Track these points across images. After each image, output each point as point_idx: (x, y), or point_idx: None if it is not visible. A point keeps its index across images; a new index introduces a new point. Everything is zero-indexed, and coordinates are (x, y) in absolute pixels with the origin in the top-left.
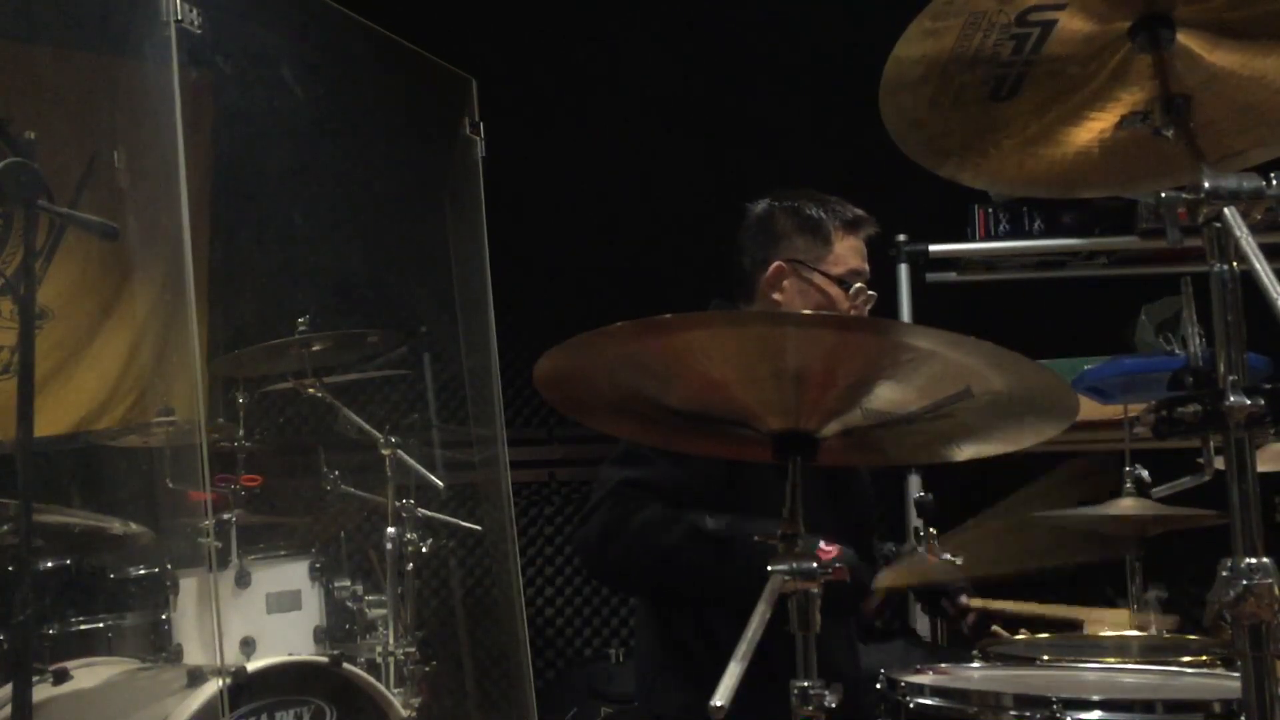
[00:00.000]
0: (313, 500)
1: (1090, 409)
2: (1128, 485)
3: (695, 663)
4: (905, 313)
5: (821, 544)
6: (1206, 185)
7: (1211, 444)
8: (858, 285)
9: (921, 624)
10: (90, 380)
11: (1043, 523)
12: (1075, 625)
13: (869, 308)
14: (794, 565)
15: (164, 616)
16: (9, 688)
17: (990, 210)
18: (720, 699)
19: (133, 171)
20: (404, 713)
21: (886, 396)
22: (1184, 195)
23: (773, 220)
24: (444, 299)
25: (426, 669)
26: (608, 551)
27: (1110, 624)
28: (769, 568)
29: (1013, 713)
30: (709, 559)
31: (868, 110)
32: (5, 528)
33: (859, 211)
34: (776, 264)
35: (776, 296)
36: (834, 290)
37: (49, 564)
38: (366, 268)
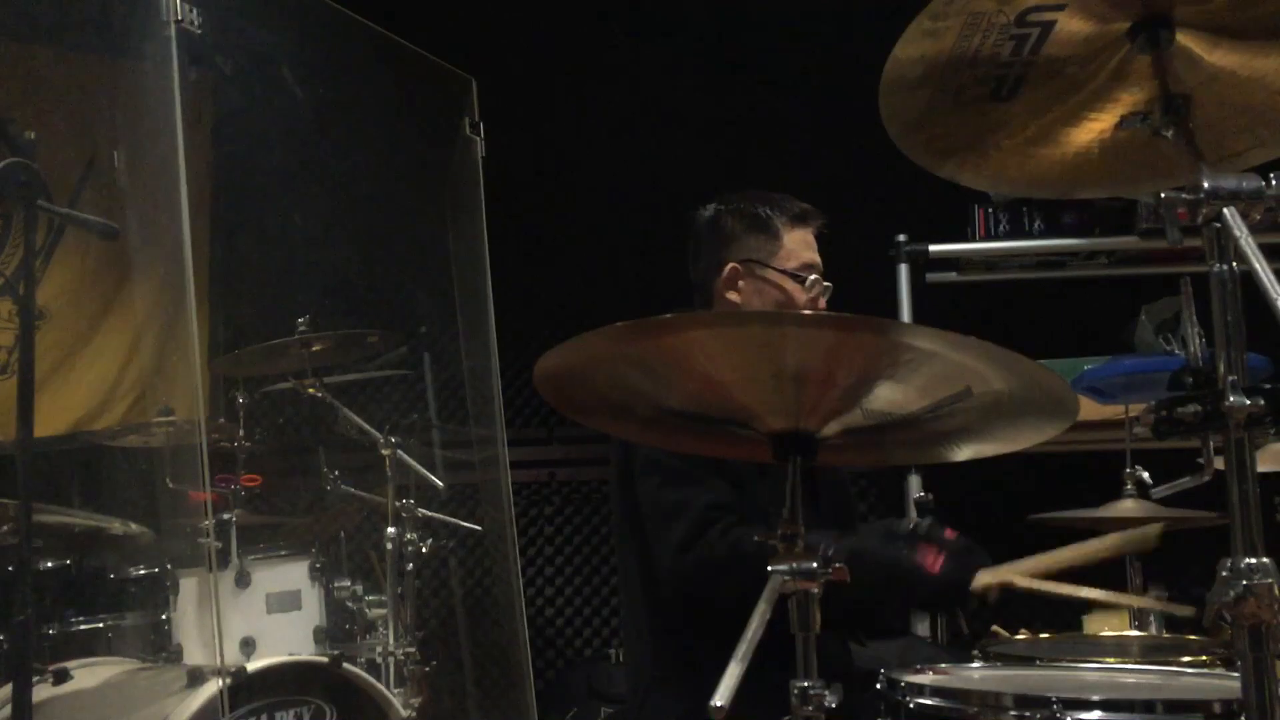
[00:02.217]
0: (313, 500)
1: (1090, 409)
2: (1128, 486)
3: (691, 674)
4: (905, 313)
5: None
6: (1206, 185)
7: (1211, 444)
8: (813, 278)
9: (921, 625)
10: (90, 380)
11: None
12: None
13: (826, 299)
14: (794, 565)
15: (164, 616)
16: (9, 688)
17: (990, 210)
18: (720, 699)
19: (133, 171)
20: (404, 713)
21: (886, 396)
22: (1184, 195)
23: (720, 223)
24: (444, 299)
25: (426, 669)
26: (728, 583)
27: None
28: (769, 568)
29: (1013, 713)
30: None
31: (868, 110)
32: (5, 528)
33: (805, 205)
34: (730, 265)
35: (733, 297)
36: (789, 284)
37: (49, 564)
38: (366, 268)
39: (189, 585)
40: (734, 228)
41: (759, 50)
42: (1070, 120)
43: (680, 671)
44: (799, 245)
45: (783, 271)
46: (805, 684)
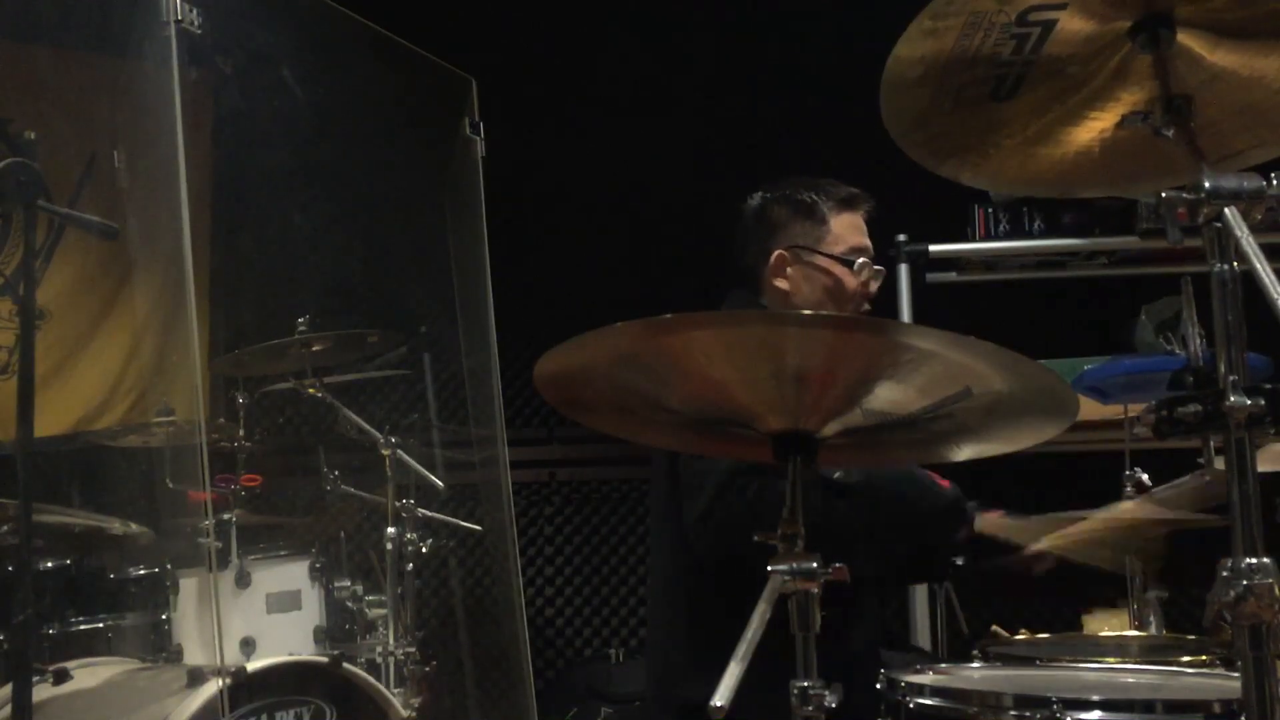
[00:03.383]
0: (313, 500)
1: (1090, 409)
2: (1128, 487)
3: (727, 654)
4: (905, 313)
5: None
6: (1206, 185)
7: (1211, 444)
8: (862, 261)
9: (923, 636)
10: (90, 380)
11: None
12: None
13: (878, 282)
14: (794, 565)
15: (164, 616)
16: (9, 688)
17: (990, 210)
18: (720, 699)
19: (133, 171)
20: (404, 713)
21: (886, 396)
22: (1184, 195)
23: (767, 211)
24: (444, 299)
25: (426, 669)
26: (746, 536)
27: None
28: (769, 568)
29: (1013, 713)
30: (849, 509)
31: (868, 110)
32: (5, 528)
33: (852, 189)
34: (778, 253)
35: (782, 285)
36: (839, 269)
37: (49, 564)
38: (366, 268)
39: (189, 585)
40: (780, 215)
41: (759, 50)
42: (1070, 120)
43: (722, 653)
44: (846, 229)
45: (830, 256)
46: (805, 684)
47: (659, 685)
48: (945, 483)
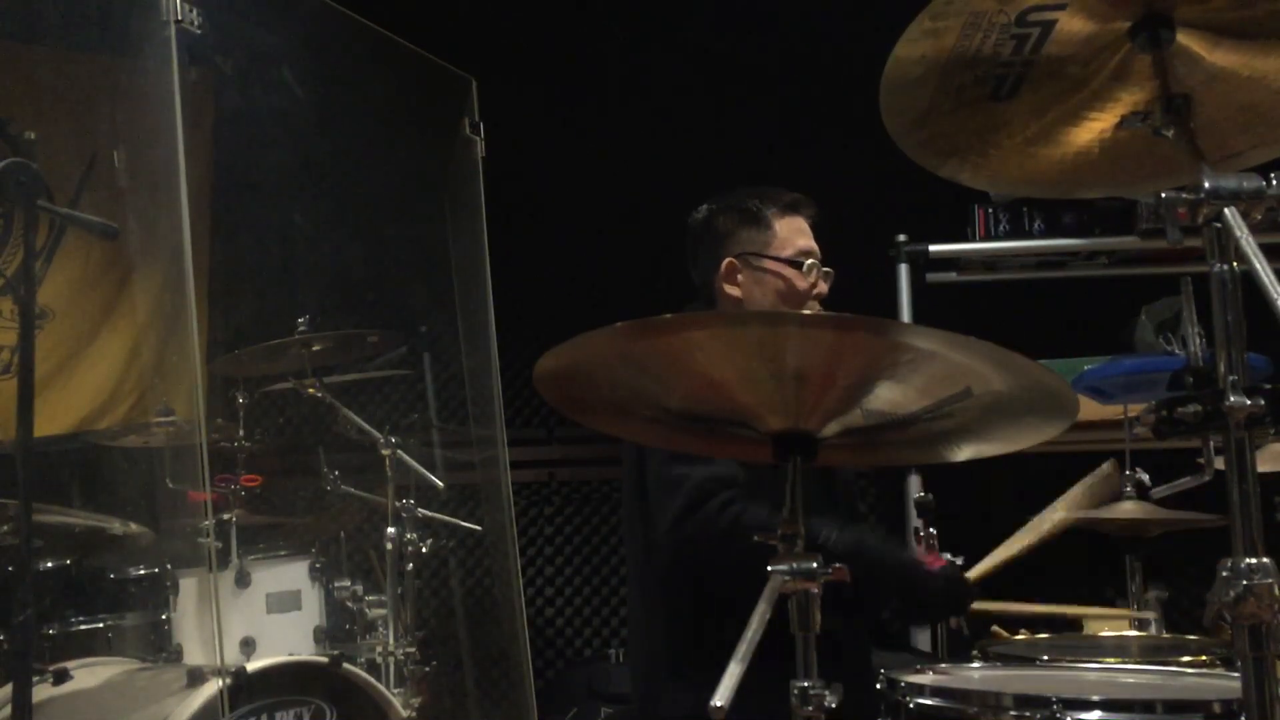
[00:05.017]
0: (313, 500)
1: (1090, 409)
2: (1127, 487)
3: (706, 663)
4: (905, 313)
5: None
6: (1206, 185)
7: (1211, 444)
8: (810, 262)
9: (922, 638)
10: (91, 380)
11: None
12: (1073, 624)
13: (828, 284)
14: (794, 565)
15: (164, 616)
16: (9, 688)
17: (990, 210)
18: (720, 699)
19: (133, 171)
20: (404, 713)
21: (886, 396)
22: (1184, 195)
23: (713, 223)
24: (444, 299)
25: (426, 669)
26: (721, 557)
27: (1110, 625)
28: (769, 568)
29: (1013, 713)
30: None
31: (868, 110)
32: (5, 528)
33: (795, 194)
34: (727, 261)
35: (734, 292)
36: (788, 271)
37: (49, 564)
38: (366, 268)
39: (189, 585)
40: (726, 224)
41: (759, 50)
42: (1070, 120)
43: (700, 663)
44: (792, 233)
45: (778, 259)
46: (805, 684)
47: (645, 688)
48: (939, 561)
